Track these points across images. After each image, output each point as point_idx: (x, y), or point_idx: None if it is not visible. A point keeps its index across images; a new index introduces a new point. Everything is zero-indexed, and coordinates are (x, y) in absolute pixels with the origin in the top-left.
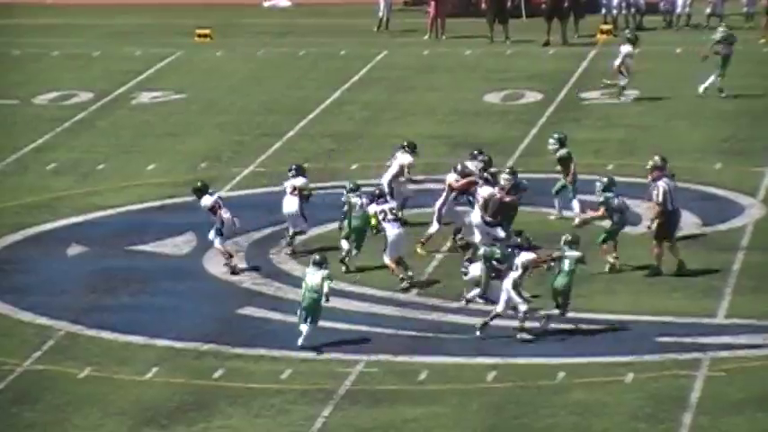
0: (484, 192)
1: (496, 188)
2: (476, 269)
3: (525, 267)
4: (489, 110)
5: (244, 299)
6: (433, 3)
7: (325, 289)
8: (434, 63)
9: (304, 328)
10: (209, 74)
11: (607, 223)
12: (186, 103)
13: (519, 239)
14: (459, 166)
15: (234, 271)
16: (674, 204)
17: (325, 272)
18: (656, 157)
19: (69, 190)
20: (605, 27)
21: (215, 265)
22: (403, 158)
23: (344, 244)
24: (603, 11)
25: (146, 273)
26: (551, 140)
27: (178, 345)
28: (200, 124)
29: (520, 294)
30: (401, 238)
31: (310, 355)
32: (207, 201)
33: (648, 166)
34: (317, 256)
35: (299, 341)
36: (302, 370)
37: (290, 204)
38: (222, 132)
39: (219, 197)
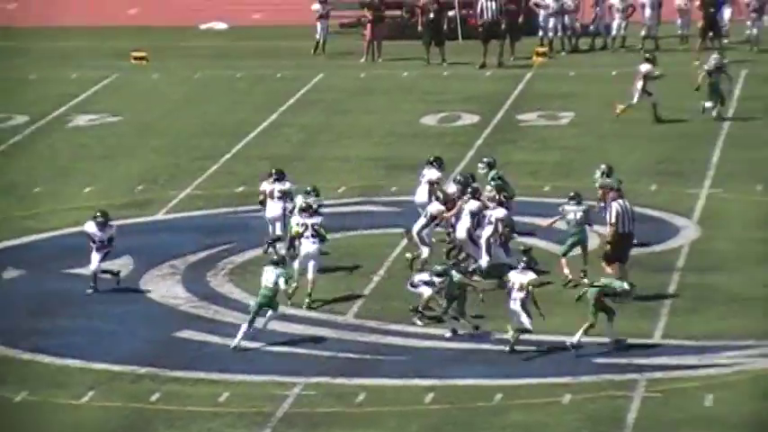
0: (471, 206)
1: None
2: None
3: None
4: (426, 132)
5: (181, 322)
6: (369, 25)
7: (282, 286)
8: (371, 85)
9: (244, 327)
10: (145, 96)
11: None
12: (122, 126)
13: (525, 258)
14: (439, 194)
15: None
16: (629, 227)
17: (281, 270)
18: (608, 180)
19: (5, 213)
20: (541, 49)
21: (152, 288)
22: (431, 174)
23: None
24: (540, 33)
25: (83, 296)
26: (480, 165)
27: (115, 368)
28: (137, 147)
29: (528, 314)
30: (311, 257)
31: (248, 377)
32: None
33: (598, 185)
34: (275, 256)
35: (242, 332)
36: (240, 392)
37: (274, 209)
38: (158, 155)
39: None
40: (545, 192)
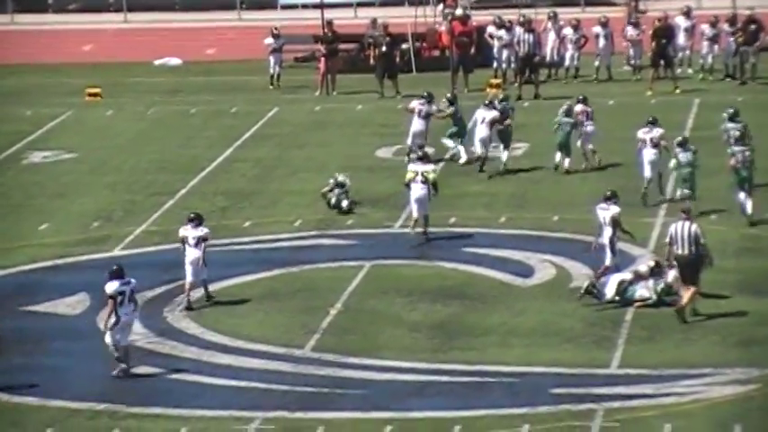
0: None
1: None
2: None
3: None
4: (381, 165)
5: (138, 358)
6: (323, 59)
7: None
8: (326, 119)
9: None
10: (99, 133)
11: None
12: (77, 163)
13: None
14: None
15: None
16: (685, 249)
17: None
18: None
19: None
20: (495, 81)
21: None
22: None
23: None
24: (495, 65)
25: (38, 333)
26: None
27: (72, 405)
28: (92, 183)
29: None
30: (419, 200)
31: (207, 413)
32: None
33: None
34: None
35: None
36: (198, 428)
37: (192, 254)
38: (113, 191)
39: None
40: (500, 223)
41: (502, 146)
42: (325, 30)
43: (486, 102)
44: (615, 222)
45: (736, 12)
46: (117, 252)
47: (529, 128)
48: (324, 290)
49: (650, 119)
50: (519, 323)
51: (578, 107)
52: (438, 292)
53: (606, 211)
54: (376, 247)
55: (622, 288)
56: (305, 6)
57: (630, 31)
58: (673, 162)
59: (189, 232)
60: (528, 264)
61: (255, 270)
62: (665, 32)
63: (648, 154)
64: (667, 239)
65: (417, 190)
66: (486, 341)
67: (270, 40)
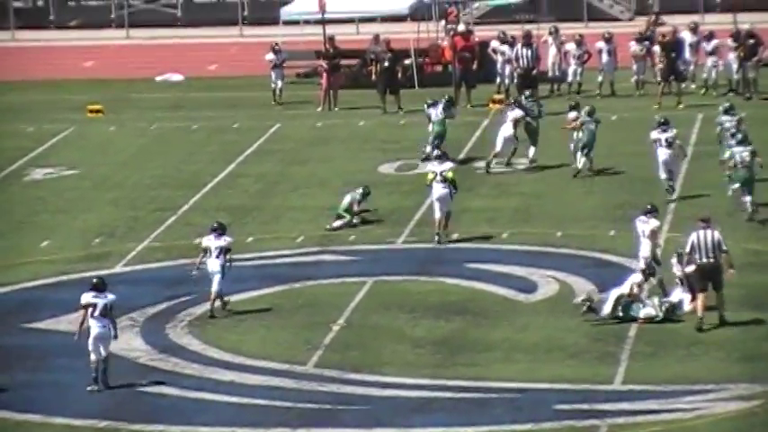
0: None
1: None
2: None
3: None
4: (383, 180)
5: (141, 374)
6: (325, 74)
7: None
8: (328, 134)
9: None
10: (101, 149)
11: None
12: (79, 179)
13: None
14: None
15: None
16: (707, 257)
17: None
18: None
19: None
20: (498, 97)
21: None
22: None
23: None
24: (498, 80)
25: (41, 350)
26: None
27: (75, 422)
28: (94, 199)
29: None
30: (440, 199)
31: (210, 429)
32: None
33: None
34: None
35: None
36: None
37: (213, 265)
38: (116, 207)
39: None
40: (503, 239)
41: (530, 142)
42: (327, 45)
43: (512, 101)
44: (654, 235)
45: (737, 27)
46: (119, 268)
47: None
48: (326, 306)
49: (661, 119)
50: (522, 339)
51: (572, 114)
52: (441, 308)
53: (646, 225)
54: (378, 263)
55: (623, 303)
56: (307, 22)
57: (634, 46)
58: (727, 153)
59: (212, 242)
60: (531, 279)
61: (258, 286)
62: (673, 46)
63: (663, 153)
64: (687, 249)
65: (438, 189)
66: (490, 357)
67: (271, 56)
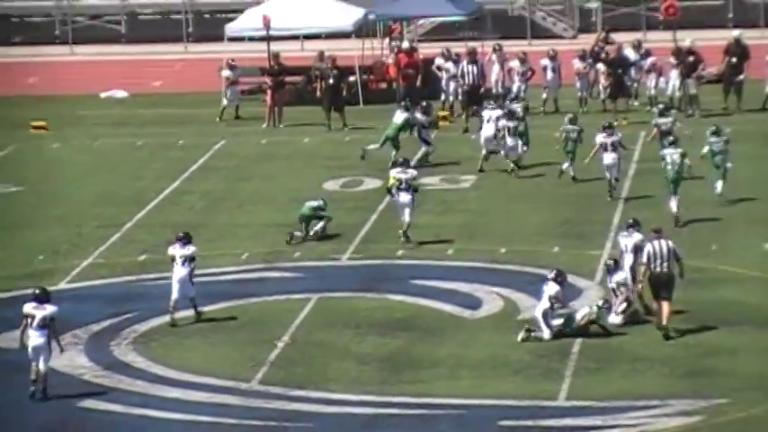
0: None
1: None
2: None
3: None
4: (328, 197)
5: (85, 391)
6: (270, 91)
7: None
8: (273, 151)
9: None
10: (46, 166)
11: None
12: (23, 196)
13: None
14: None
15: None
16: (661, 266)
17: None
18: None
19: None
20: (443, 113)
21: (54, 358)
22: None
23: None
24: (443, 96)
25: None
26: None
27: None
28: (38, 217)
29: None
30: (405, 205)
31: None
32: None
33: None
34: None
35: None
36: None
37: (179, 273)
38: (60, 224)
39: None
40: (448, 255)
41: (521, 143)
42: (272, 62)
43: (492, 101)
44: (638, 249)
45: (677, 44)
46: (63, 285)
47: (476, 160)
48: (271, 322)
49: (606, 124)
50: (467, 355)
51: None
52: (386, 325)
53: (629, 239)
54: (323, 280)
55: (565, 317)
56: (252, 39)
57: (578, 63)
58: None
59: (177, 251)
60: (476, 296)
61: (202, 303)
62: (619, 63)
63: (607, 158)
64: (644, 259)
65: (404, 196)
66: (435, 373)
67: (227, 73)
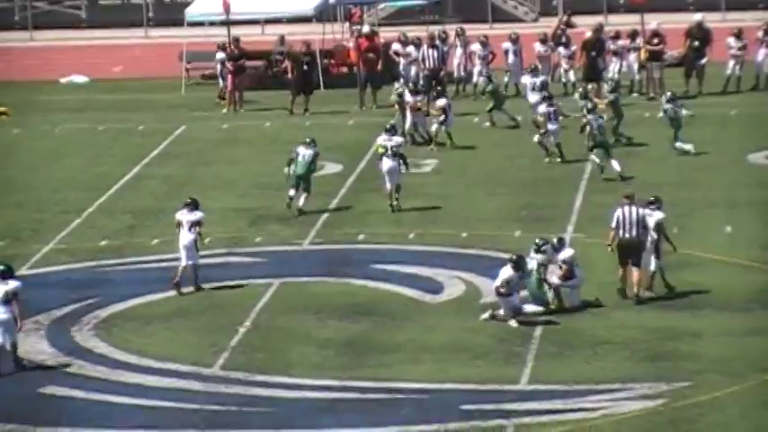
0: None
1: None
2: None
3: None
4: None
5: (46, 378)
6: (230, 76)
7: None
8: (234, 136)
9: None
10: (6, 152)
11: None
12: None
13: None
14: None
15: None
16: (631, 233)
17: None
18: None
19: None
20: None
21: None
22: None
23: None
24: (402, 81)
25: None
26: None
27: None
28: None
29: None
30: (390, 172)
31: None
32: None
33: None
34: None
35: None
36: None
37: (185, 238)
38: (21, 210)
39: None
40: (409, 239)
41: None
42: (232, 46)
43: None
44: (660, 227)
45: (637, 28)
46: (24, 271)
47: (437, 146)
48: (232, 308)
49: (546, 94)
50: (429, 339)
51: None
52: (347, 309)
53: (650, 217)
54: (285, 265)
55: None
56: (212, 23)
57: (539, 47)
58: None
59: (184, 216)
60: (437, 280)
61: (164, 288)
62: (593, 45)
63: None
64: (613, 224)
65: (388, 162)
66: (396, 358)
67: (221, 55)
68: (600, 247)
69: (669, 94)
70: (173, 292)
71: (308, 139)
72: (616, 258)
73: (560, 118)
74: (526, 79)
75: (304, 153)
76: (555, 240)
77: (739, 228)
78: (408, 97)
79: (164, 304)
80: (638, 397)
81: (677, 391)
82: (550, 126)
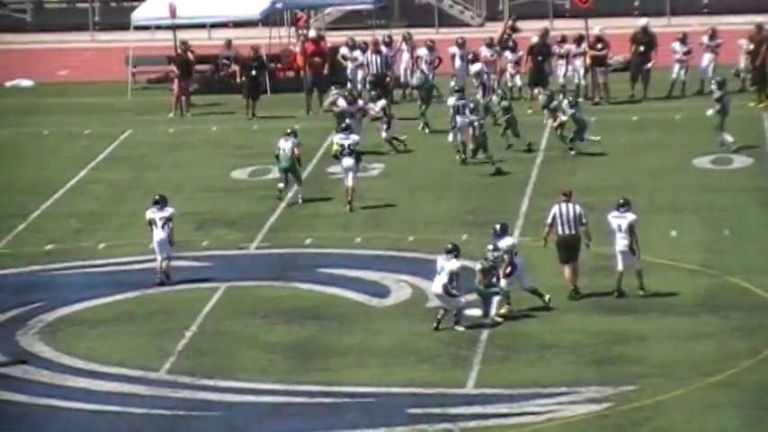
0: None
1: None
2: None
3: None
4: (237, 186)
5: None
6: (176, 80)
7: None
8: (180, 140)
9: None
10: None
11: None
12: None
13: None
14: None
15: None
16: (567, 230)
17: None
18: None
19: None
20: None
21: None
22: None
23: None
24: (349, 86)
25: None
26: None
27: None
28: None
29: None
30: (349, 169)
31: None
32: None
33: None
34: None
35: None
36: None
37: (158, 235)
38: None
39: None
40: (356, 243)
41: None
42: (179, 51)
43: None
44: (632, 229)
45: (582, 33)
46: None
47: (384, 148)
48: (179, 312)
49: (457, 87)
50: (375, 343)
51: (451, 100)
52: (294, 313)
53: (623, 219)
54: (231, 269)
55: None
56: (158, 27)
57: (485, 51)
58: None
59: (155, 214)
60: (384, 284)
61: (110, 293)
62: (541, 50)
63: (461, 121)
64: (548, 221)
65: (347, 161)
66: (343, 362)
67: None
68: (545, 251)
69: (571, 98)
70: (119, 296)
71: (288, 131)
72: (557, 258)
73: (472, 114)
74: (451, 101)
75: (284, 146)
76: (498, 226)
77: (684, 232)
78: (342, 103)
79: (110, 308)
80: (584, 401)
81: (623, 395)
82: (458, 118)
